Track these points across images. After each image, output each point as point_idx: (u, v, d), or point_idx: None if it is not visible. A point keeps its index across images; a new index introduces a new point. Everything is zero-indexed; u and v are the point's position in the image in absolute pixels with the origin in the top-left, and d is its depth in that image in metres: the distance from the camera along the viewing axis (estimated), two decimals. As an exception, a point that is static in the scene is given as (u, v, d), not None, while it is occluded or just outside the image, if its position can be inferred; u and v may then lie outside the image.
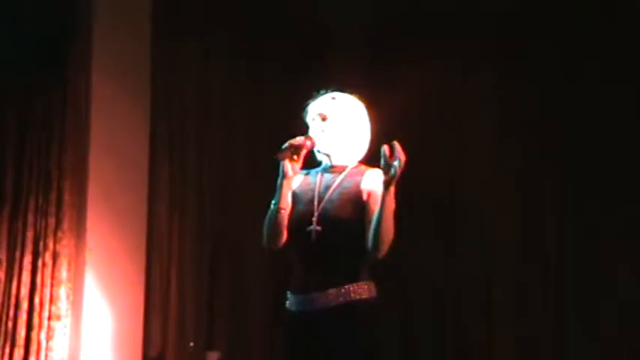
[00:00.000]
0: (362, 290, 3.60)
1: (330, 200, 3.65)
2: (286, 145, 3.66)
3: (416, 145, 6.20)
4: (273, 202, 3.70)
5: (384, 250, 3.55)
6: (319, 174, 3.77)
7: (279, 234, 3.69)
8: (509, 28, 6.21)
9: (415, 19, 6.35)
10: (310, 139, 3.69)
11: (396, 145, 3.40)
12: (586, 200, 6.05)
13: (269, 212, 3.71)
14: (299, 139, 3.67)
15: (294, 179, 3.72)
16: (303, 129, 3.79)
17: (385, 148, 3.41)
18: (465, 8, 6.27)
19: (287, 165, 3.66)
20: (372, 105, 3.84)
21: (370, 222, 3.56)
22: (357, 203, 3.62)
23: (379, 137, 3.83)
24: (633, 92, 5.95)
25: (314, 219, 3.64)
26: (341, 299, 3.57)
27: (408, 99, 6.02)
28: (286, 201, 3.68)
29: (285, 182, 3.67)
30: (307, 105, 3.83)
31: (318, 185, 3.73)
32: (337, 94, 3.79)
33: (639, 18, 5.94)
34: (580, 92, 6.07)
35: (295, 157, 3.65)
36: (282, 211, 3.67)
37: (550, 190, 6.19)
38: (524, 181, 6.22)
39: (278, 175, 3.69)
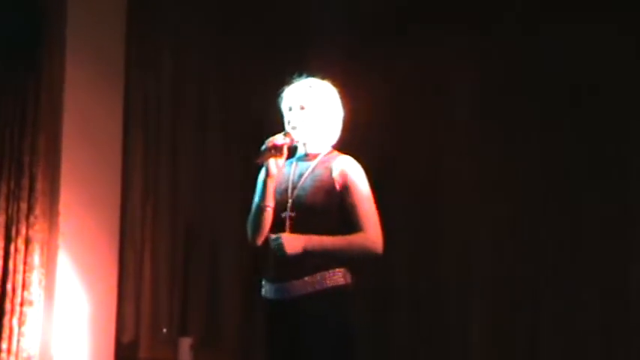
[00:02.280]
0: (336, 277, 3.64)
1: (302, 187, 3.70)
2: (265, 146, 3.67)
3: (395, 133, 6.36)
4: (257, 199, 3.73)
5: (371, 252, 3.65)
6: (294, 163, 3.80)
7: (263, 231, 3.73)
8: (493, 22, 6.20)
9: (395, 10, 6.33)
10: (289, 135, 3.72)
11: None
12: (570, 200, 6.06)
13: (253, 209, 3.76)
14: (278, 139, 3.69)
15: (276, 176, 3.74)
16: (278, 120, 3.79)
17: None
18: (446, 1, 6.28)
19: (271, 163, 3.69)
20: (346, 91, 3.85)
21: (348, 211, 3.64)
22: (329, 191, 3.66)
23: (353, 122, 3.87)
24: (618, 93, 5.95)
25: (288, 205, 3.68)
26: (316, 286, 3.61)
27: (385, 88, 6.03)
28: (271, 198, 3.71)
29: (269, 180, 3.72)
30: (282, 91, 3.83)
31: (292, 174, 3.77)
32: (313, 82, 3.80)
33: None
34: (565, 89, 6.07)
35: (279, 153, 3.68)
36: (268, 208, 3.72)
37: (531, 186, 6.20)
38: (505, 175, 6.22)
39: (258, 170, 3.72)
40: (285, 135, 3.71)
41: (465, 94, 6.33)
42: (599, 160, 5.94)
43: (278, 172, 3.71)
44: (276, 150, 3.68)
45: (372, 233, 3.64)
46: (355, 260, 3.66)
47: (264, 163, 3.69)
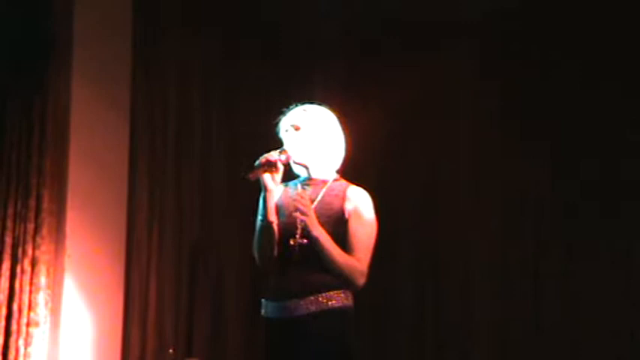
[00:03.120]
0: (339, 298, 3.66)
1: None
2: (259, 161, 3.69)
3: (394, 155, 6.39)
4: (259, 217, 3.72)
5: (354, 281, 3.66)
6: (298, 185, 3.79)
7: (272, 247, 3.73)
8: (490, 37, 6.25)
9: (393, 29, 6.38)
10: (285, 152, 3.73)
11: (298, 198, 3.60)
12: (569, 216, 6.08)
13: (258, 228, 3.74)
14: (273, 155, 3.70)
15: (276, 191, 3.75)
16: (278, 143, 3.82)
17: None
18: (444, 18, 6.31)
19: (267, 178, 3.70)
20: (347, 116, 3.89)
21: (349, 236, 3.66)
22: (339, 220, 3.68)
23: (356, 148, 3.90)
24: (617, 93, 5.97)
25: (297, 232, 3.68)
26: (318, 306, 3.62)
27: (385, 111, 6.07)
28: (273, 214, 3.71)
29: (268, 195, 3.71)
30: (279, 121, 3.87)
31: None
32: (308, 106, 3.84)
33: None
34: (563, 95, 6.10)
35: (274, 169, 3.69)
36: (272, 224, 3.70)
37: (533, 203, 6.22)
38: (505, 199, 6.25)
39: (260, 189, 3.73)
40: (280, 152, 3.73)
41: (466, 118, 6.37)
42: (603, 157, 5.97)
43: (276, 186, 3.72)
44: (269, 166, 3.69)
45: (362, 265, 3.65)
46: (339, 281, 3.64)
47: (259, 179, 3.70)
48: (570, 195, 6.04)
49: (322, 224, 3.66)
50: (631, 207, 5.90)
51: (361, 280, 3.66)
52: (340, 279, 3.63)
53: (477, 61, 6.29)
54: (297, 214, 3.60)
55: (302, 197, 3.61)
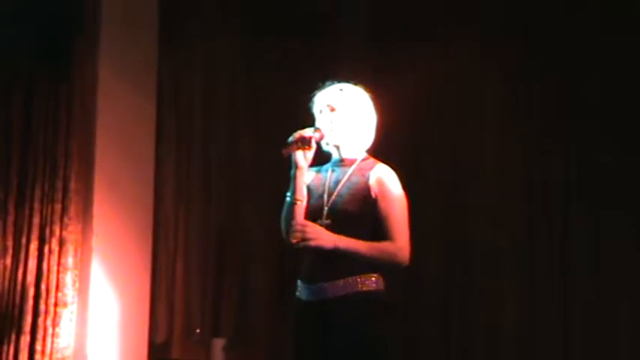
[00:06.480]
0: (369, 282, 3.62)
1: (339, 195, 3.66)
2: (293, 137, 3.66)
3: (420, 137, 6.36)
4: (288, 194, 3.70)
5: (398, 264, 3.62)
6: (330, 169, 3.77)
7: None
8: (516, 22, 6.20)
9: (420, 12, 6.33)
10: (319, 130, 3.69)
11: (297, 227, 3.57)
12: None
13: (285, 205, 3.71)
14: (307, 132, 3.67)
15: (307, 175, 3.72)
16: (309, 121, 3.79)
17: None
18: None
19: (299, 155, 3.66)
20: (377, 95, 3.84)
21: (380, 218, 3.62)
22: (365, 198, 3.63)
23: (386, 127, 3.86)
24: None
25: (324, 213, 3.67)
26: (349, 290, 3.59)
27: (414, 90, 6.03)
28: (302, 192, 3.68)
29: (298, 173, 3.67)
30: (314, 95, 3.83)
31: (328, 180, 3.74)
32: (344, 85, 3.79)
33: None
34: (584, 88, 6.07)
35: (307, 146, 3.65)
36: (299, 202, 3.67)
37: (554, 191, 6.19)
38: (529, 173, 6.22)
39: (290, 167, 3.69)
40: (315, 130, 3.69)
41: (492, 99, 6.33)
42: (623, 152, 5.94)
43: (307, 164, 3.68)
44: (304, 142, 3.64)
45: (401, 244, 3.62)
46: (382, 268, 3.64)
47: (292, 155, 3.66)
48: (598, 191, 6.02)
49: (351, 200, 3.64)
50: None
51: (405, 259, 3.61)
52: (384, 267, 3.61)
53: (502, 37, 6.25)
54: (305, 243, 3.58)
55: (302, 225, 3.59)
